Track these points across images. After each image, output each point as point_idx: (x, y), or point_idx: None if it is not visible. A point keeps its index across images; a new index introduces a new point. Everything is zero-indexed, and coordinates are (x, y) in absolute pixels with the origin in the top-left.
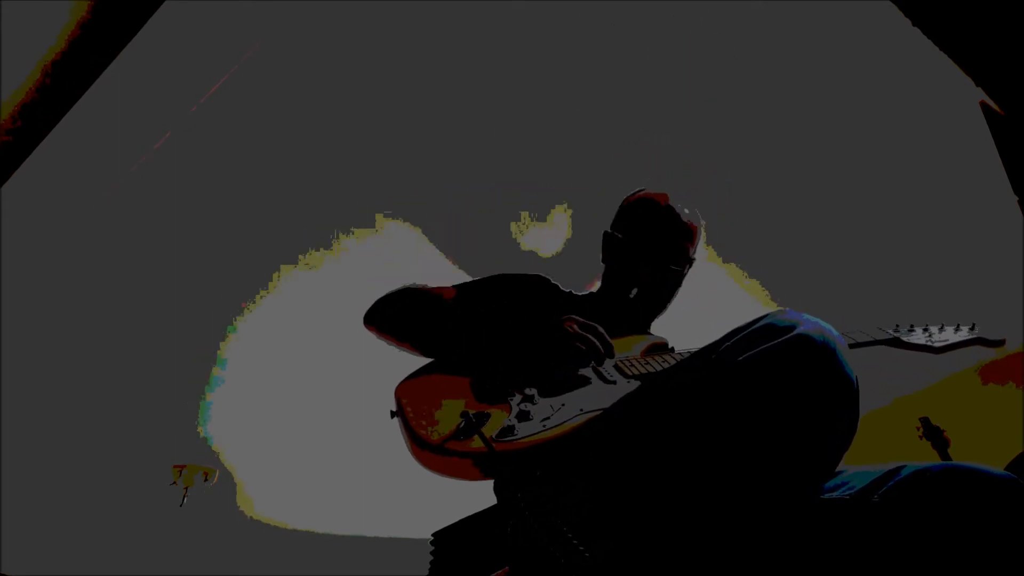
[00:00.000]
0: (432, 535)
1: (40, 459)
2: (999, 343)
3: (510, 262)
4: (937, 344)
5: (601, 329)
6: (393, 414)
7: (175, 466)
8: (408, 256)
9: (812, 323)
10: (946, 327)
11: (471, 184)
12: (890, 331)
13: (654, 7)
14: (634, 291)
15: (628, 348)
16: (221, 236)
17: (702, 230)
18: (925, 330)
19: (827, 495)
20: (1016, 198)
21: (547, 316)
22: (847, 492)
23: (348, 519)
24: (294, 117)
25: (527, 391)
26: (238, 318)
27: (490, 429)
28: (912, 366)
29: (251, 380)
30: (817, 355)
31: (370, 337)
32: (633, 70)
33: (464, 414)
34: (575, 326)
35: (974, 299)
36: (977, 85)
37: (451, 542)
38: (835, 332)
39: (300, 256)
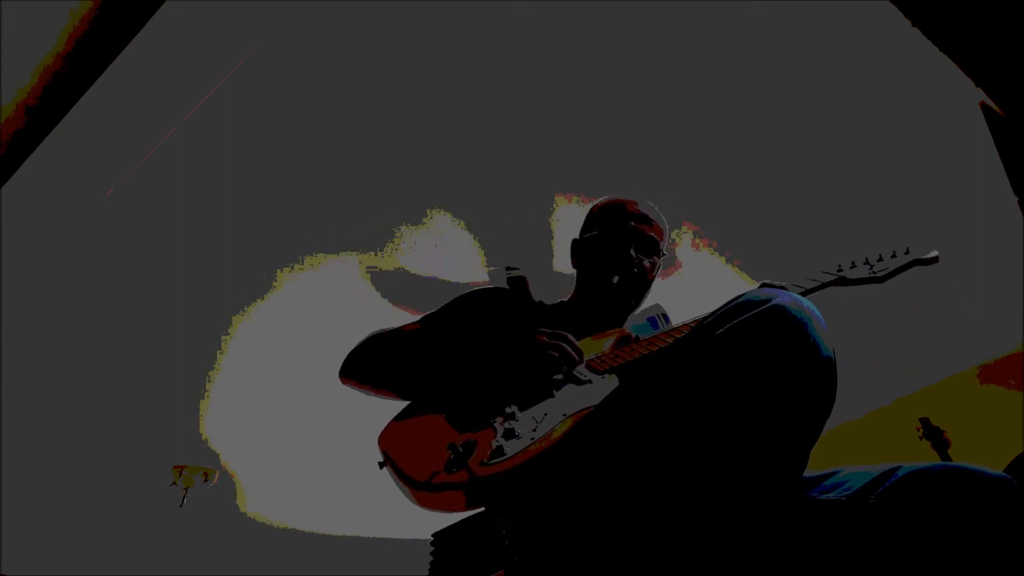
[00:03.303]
0: (432, 535)
1: (40, 459)
2: (933, 260)
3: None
4: (880, 273)
5: (570, 337)
6: (382, 465)
7: (175, 466)
8: (408, 258)
9: (788, 296)
10: (884, 257)
11: (470, 184)
12: (834, 272)
13: (653, 7)
14: (616, 278)
15: (599, 347)
16: (221, 236)
17: (667, 231)
18: (866, 263)
19: (824, 495)
20: (1016, 198)
21: (516, 331)
22: (844, 492)
23: (348, 519)
24: (294, 117)
25: (507, 410)
26: (238, 317)
27: (481, 455)
28: (912, 366)
29: (251, 380)
30: (789, 325)
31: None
32: (631, 70)
33: (451, 446)
34: (544, 338)
35: (974, 299)
36: (977, 85)
37: (451, 542)
38: (813, 307)
39: (301, 256)
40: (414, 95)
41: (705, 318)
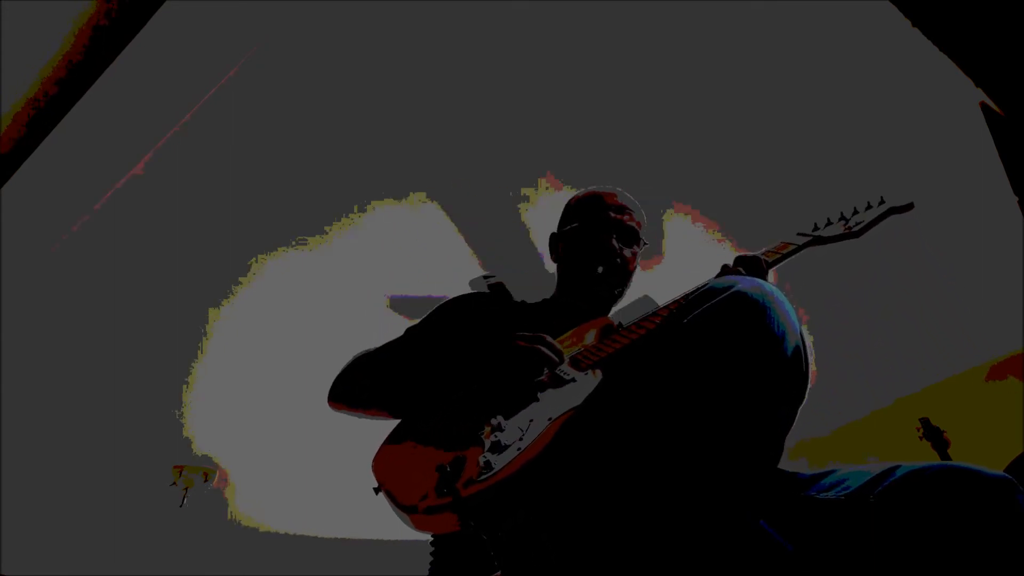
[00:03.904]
0: (432, 536)
1: (40, 459)
2: (908, 208)
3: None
4: (856, 228)
5: (548, 338)
6: (377, 490)
7: (175, 466)
8: (401, 253)
9: (749, 281)
10: (859, 210)
11: (464, 183)
12: (809, 233)
13: (648, 7)
14: (599, 268)
15: (581, 340)
16: (221, 236)
17: (646, 220)
18: (841, 219)
19: (823, 495)
20: (1016, 198)
21: (498, 337)
22: (843, 492)
23: (348, 520)
24: (294, 118)
25: (493, 421)
26: (224, 302)
27: (471, 472)
28: (912, 366)
29: (246, 378)
30: (751, 311)
31: (366, 331)
32: (625, 70)
33: (440, 467)
34: (522, 342)
35: (974, 299)
36: (977, 85)
37: (451, 542)
38: (775, 291)
39: (300, 255)
40: (414, 94)
41: (676, 302)
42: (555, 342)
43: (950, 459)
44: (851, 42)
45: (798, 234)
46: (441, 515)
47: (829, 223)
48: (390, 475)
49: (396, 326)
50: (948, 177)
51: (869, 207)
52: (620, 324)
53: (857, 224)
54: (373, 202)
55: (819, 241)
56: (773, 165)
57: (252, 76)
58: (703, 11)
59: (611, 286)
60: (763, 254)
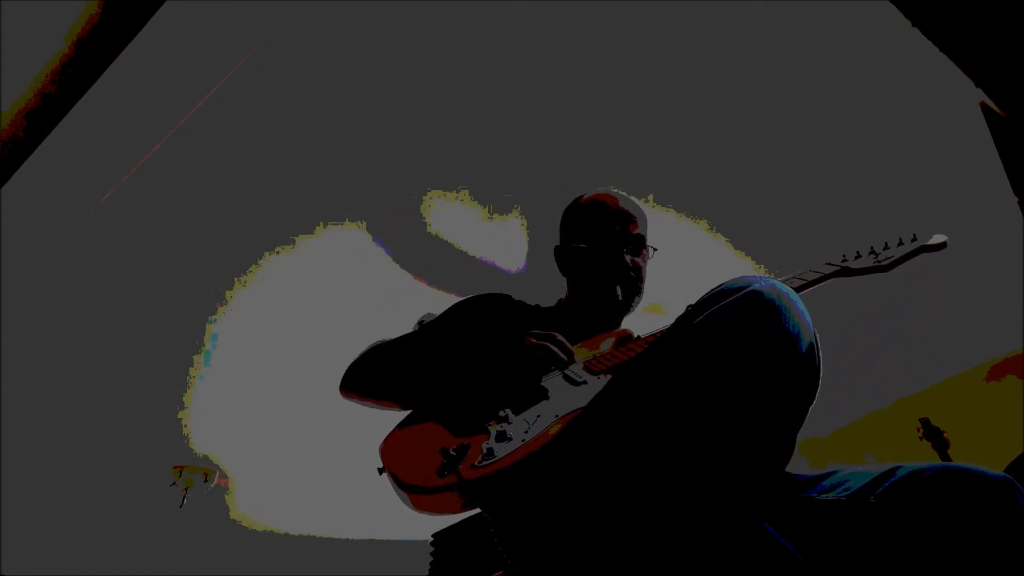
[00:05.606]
0: (432, 536)
1: (40, 459)
2: (941, 247)
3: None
4: (885, 262)
5: (560, 336)
6: (381, 471)
7: (175, 466)
8: (402, 254)
9: (765, 282)
10: (890, 245)
11: (460, 182)
12: (838, 263)
13: (645, 6)
14: (619, 289)
15: (597, 348)
16: (221, 236)
17: (646, 218)
18: (871, 253)
19: (824, 496)
20: (1016, 198)
21: (509, 337)
22: (844, 493)
23: (348, 521)
24: (294, 118)
25: (501, 414)
26: (223, 301)
27: (474, 458)
28: (912, 366)
29: (246, 378)
30: (765, 310)
31: (367, 330)
32: (622, 69)
33: (443, 450)
34: (533, 340)
35: (974, 300)
36: (977, 85)
37: (451, 543)
38: (790, 291)
39: (299, 255)
40: (414, 94)
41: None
42: (566, 341)
43: (950, 459)
44: (851, 42)
45: (826, 263)
46: (440, 495)
47: (858, 256)
48: (395, 458)
49: (396, 326)
50: (948, 177)
51: (900, 243)
52: (638, 336)
53: (887, 259)
54: (372, 202)
55: (847, 272)
56: (772, 165)
57: (252, 76)
58: (702, 11)
59: (630, 301)
60: (788, 280)
